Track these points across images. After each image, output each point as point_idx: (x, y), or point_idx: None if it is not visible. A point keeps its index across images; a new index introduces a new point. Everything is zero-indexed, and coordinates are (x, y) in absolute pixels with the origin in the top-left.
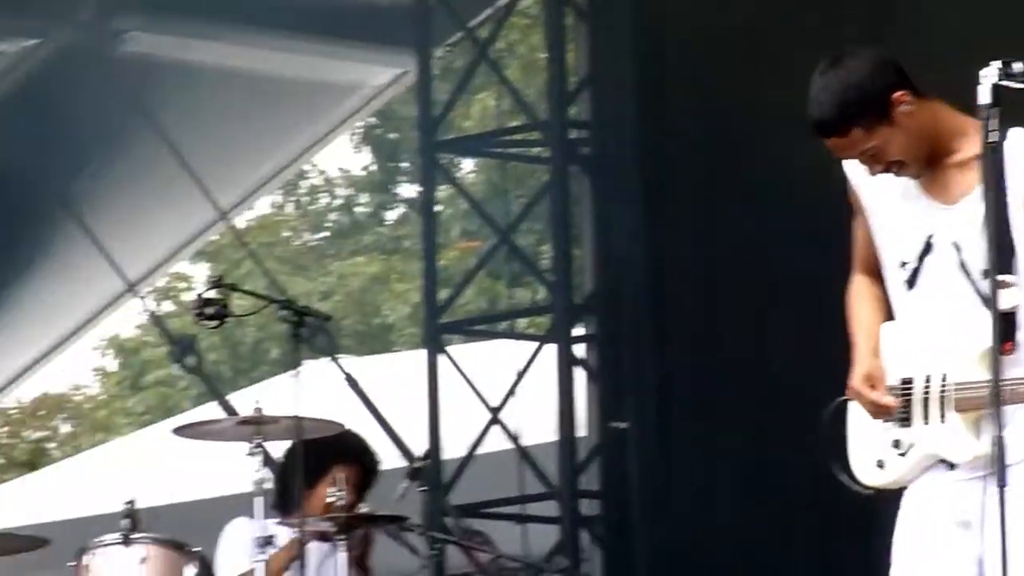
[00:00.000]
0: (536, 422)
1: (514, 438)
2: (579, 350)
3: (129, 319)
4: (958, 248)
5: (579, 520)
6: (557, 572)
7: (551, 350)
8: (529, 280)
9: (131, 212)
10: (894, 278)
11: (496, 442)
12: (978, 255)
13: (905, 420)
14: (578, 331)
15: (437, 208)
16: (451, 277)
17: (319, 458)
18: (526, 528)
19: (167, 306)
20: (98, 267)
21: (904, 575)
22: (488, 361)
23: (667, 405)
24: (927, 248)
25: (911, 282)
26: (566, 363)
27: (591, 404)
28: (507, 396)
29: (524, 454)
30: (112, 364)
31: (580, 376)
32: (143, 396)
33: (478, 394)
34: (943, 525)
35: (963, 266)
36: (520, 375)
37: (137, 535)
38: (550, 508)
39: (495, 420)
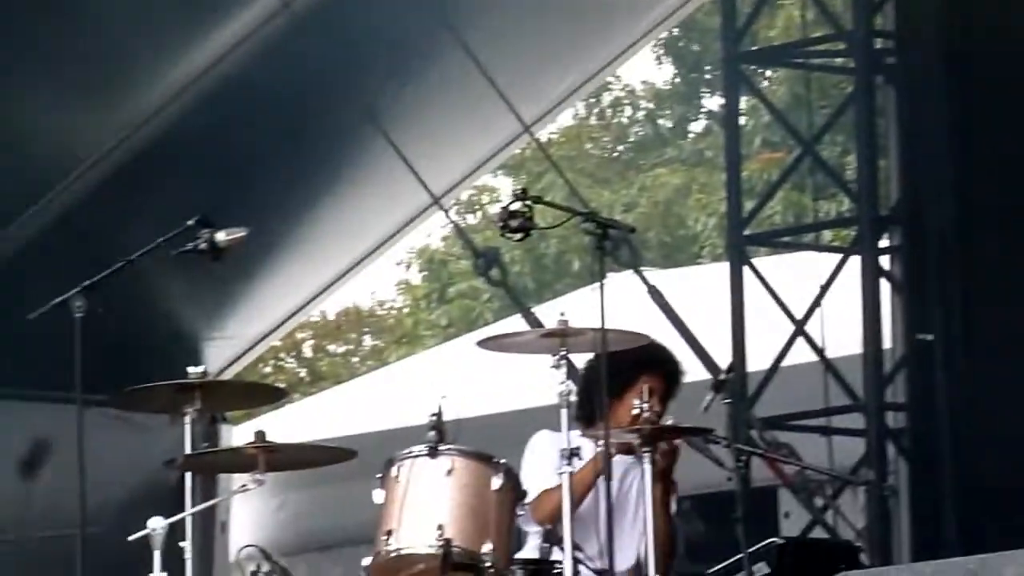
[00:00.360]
0: (841, 334)
1: (819, 350)
2: (884, 261)
3: (434, 233)
4: None
5: (885, 432)
6: (863, 484)
7: (856, 262)
8: (834, 192)
9: (436, 126)
10: None
11: (801, 354)
12: None
13: None
14: (883, 242)
15: (740, 120)
16: (754, 189)
17: (627, 369)
18: (831, 441)
19: (471, 219)
20: (404, 181)
21: None
22: (793, 273)
23: (973, 316)
24: None
25: None
26: (872, 275)
27: (897, 316)
28: (812, 308)
29: (829, 366)
30: (416, 278)
31: (885, 288)
32: (447, 309)
33: (783, 306)
34: None
35: None
36: (825, 287)
37: (444, 447)
38: (856, 421)
39: (800, 332)
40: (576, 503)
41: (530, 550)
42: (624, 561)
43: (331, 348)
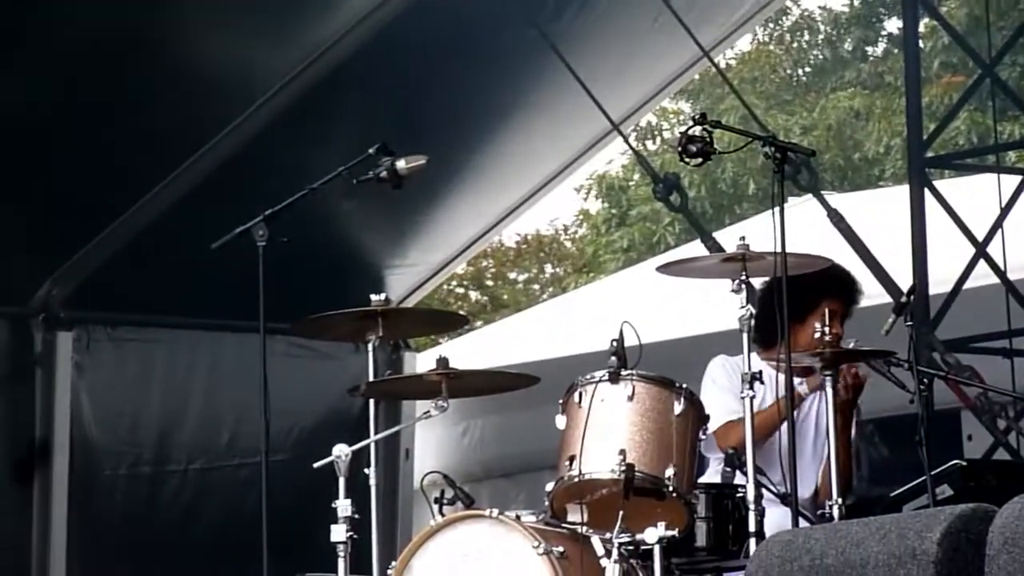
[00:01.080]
0: (1023, 256)
1: (1001, 272)
2: None
3: (613, 159)
4: None
5: None
6: None
7: None
8: (1015, 114)
9: (613, 51)
10: None
11: (982, 276)
12: None
13: None
14: None
15: (919, 43)
16: (935, 113)
17: (808, 293)
18: (1013, 362)
19: (650, 145)
20: (582, 107)
21: None
22: (974, 195)
23: None
24: None
25: None
26: None
27: None
28: (993, 229)
29: (1011, 288)
30: (595, 205)
31: None
32: (627, 232)
33: (964, 228)
34: None
35: None
36: (1006, 208)
37: (625, 372)
38: None
39: (981, 254)
40: (760, 440)
41: (712, 474)
42: (805, 489)
43: (512, 276)
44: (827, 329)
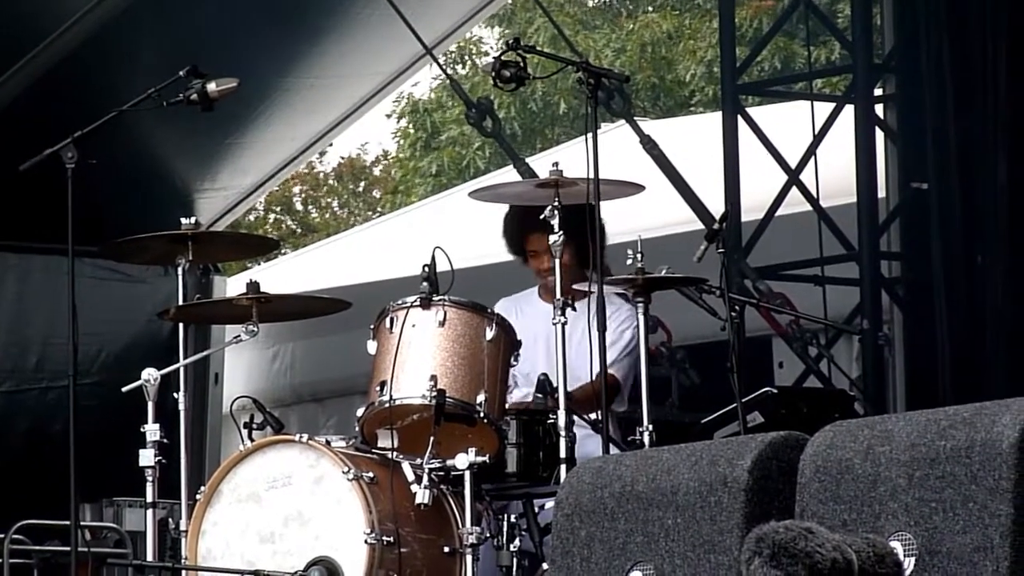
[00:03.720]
0: (835, 183)
1: (813, 200)
2: (879, 110)
3: (422, 83)
4: None
5: (880, 281)
6: (857, 334)
7: (850, 111)
8: (825, 38)
9: None
10: None
11: (795, 204)
12: None
13: None
14: (877, 91)
15: None
16: (743, 35)
17: (508, 239)
18: (825, 290)
19: (460, 69)
20: (395, 31)
21: None
22: (787, 122)
23: (969, 163)
24: None
25: None
26: (866, 123)
27: (891, 165)
28: (806, 157)
29: (823, 215)
30: (405, 129)
31: (880, 137)
32: (436, 156)
33: (776, 155)
34: None
35: None
36: (819, 136)
37: (437, 297)
38: (850, 270)
39: (794, 181)
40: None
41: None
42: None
43: (323, 201)
44: (538, 266)
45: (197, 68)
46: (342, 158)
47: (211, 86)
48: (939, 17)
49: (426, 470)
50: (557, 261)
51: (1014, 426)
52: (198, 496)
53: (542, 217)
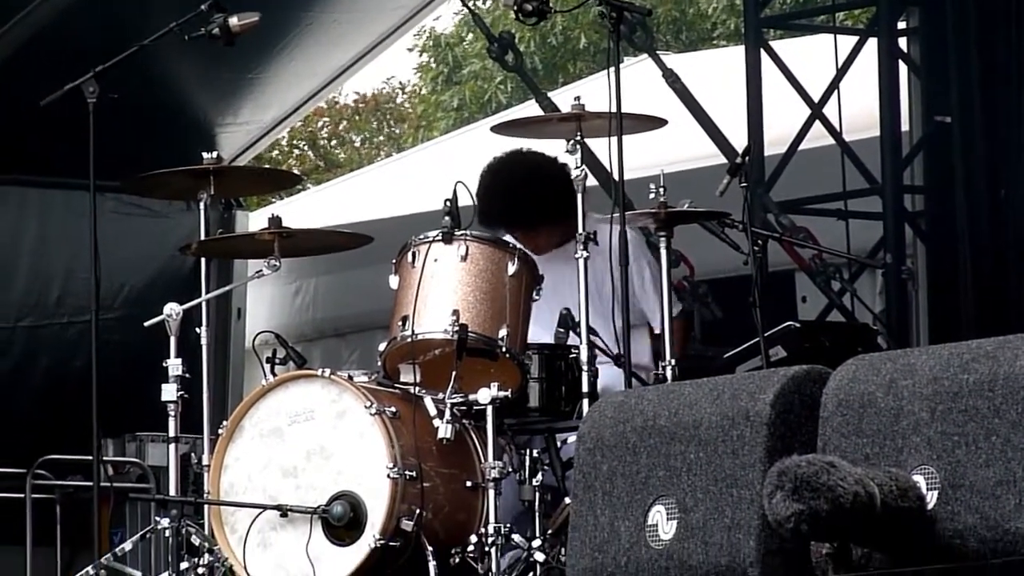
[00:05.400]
0: (859, 117)
1: (836, 133)
2: (902, 43)
3: (444, 16)
4: None
5: (903, 215)
6: (880, 268)
7: (873, 44)
8: None
9: None
10: None
11: (818, 138)
12: None
13: None
14: (901, 24)
15: None
16: None
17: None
18: (848, 224)
19: (484, 4)
20: None
21: None
22: (810, 55)
23: (993, 96)
24: None
25: None
26: (889, 57)
27: (914, 98)
28: (829, 91)
29: (847, 149)
30: (428, 62)
31: (903, 70)
32: (457, 91)
33: (800, 89)
34: None
35: None
36: (842, 70)
37: (459, 232)
38: (873, 204)
39: (817, 115)
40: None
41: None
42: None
43: (347, 136)
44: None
45: (219, 2)
46: (361, 93)
47: (232, 20)
48: None
49: (448, 405)
50: (580, 197)
51: None
52: (220, 431)
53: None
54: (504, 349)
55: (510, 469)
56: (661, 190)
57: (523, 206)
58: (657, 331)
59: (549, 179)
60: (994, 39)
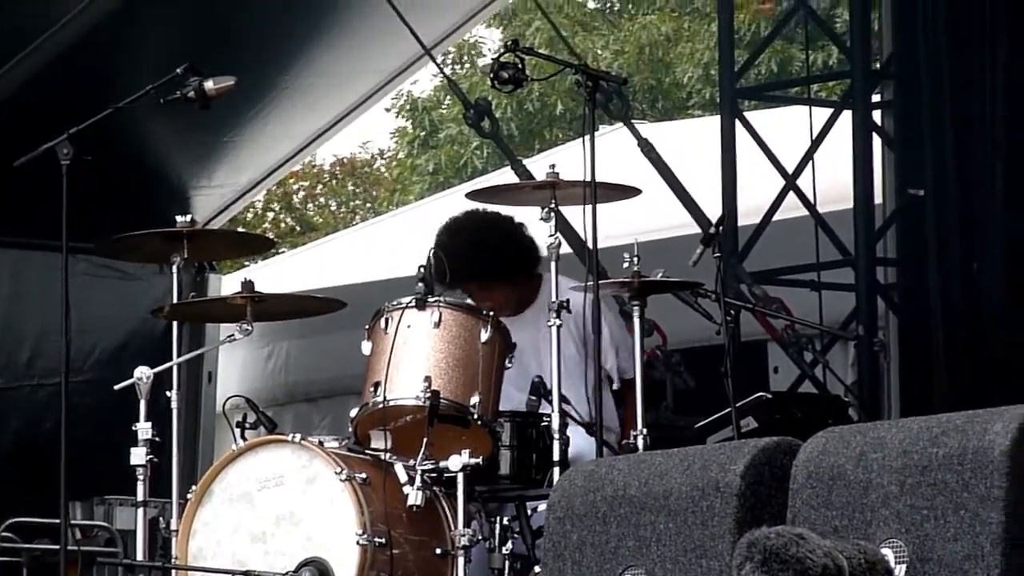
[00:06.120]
0: (832, 189)
1: (810, 205)
2: (877, 116)
3: (422, 81)
4: None
5: (875, 287)
6: (852, 339)
7: (847, 116)
8: (823, 43)
9: None
10: None
11: (792, 209)
12: None
13: None
14: (875, 97)
15: None
16: (742, 39)
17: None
18: (821, 295)
19: (459, 69)
20: (394, 30)
21: None
22: (784, 126)
23: (967, 170)
24: None
25: None
26: (863, 129)
27: (888, 171)
28: (803, 162)
29: (820, 221)
30: (405, 125)
31: (877, 143)
32: (434, 155)
33: (774, 160)
34: None
35: None
36: (816, 141)
37: (432, 298)
38: (846, 275)
39: (791, 186)
40: None
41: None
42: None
43: (322, 199)
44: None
45: (195, 65)
46: (344, 157)
47: (208, 84)
48: (937, 24)
49: (419, 471)
50: (553, 265)
51: (1005, 434)
52: (189, 495)
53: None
54: (476, 416)
55: (480, 537)
56: (635, 259)
57: (478, 260)
58: (615, 386)
59: (506, 235)
60: (968, 112)
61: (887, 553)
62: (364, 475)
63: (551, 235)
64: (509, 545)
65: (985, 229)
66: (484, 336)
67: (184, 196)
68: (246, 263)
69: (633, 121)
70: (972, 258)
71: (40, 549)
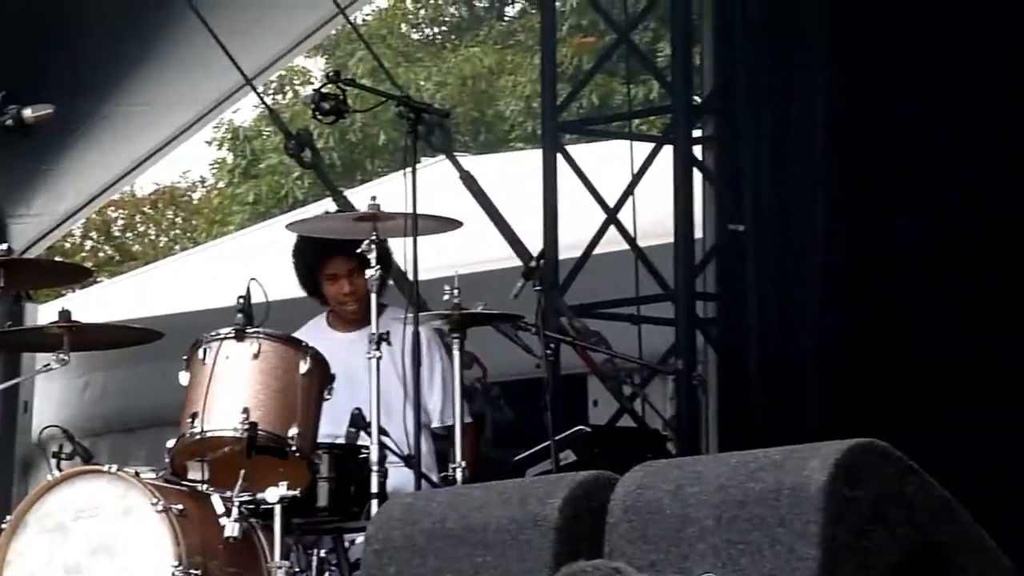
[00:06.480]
0: (653, 223)
1: (631, 239)
2: (697, 151)
3: (243, 110)
4: None
5: (695, 322)
6: (671, 374)
7: (669, 151)
8: (645, 78)
9: (249, 5)
10: None
11: (613, 243)
12: None
13: None
14: (696, 132)
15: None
16: (564, 72)
17: (301, 267)
18: (641, 329)
19: (281, 99)
20: (217, 59)
21: None
22: (606, 161)
23: (786, 206)
24: None
25: None
26: (684, 164)
27: (708, 206)
28: (624, 196)
29: (641, 255)
30: (226, 156)
31: (698, 177)
32: (254, 185)
33: (595, 194)
34: None
35: None
36: (637, 176)
37: (251, 330)
38: (666, 310)
39: (612, 220)
40: None
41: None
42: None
43: (142, 228)
44: (339, 291)
45: (13, 93)
46: (164, 186)
47: (27, 112)
48: (759, 60)
49: (236, 503)
50: (374, 296)
51: (822, 470)
52: (3, 526)
53: (359, 250)
54: (294, 448)
55: (297, 569)
56: (455, 291)
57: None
58: (433, 427)
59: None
60: (787, 148)
61: None
62: (181, 506)
63: (372, 267)
64: None
65: (804, 261)
66: (303, 367)
67: (1, 224)
68: (63, 292)
69: (455, 153)
70: (790, 294)
71: None
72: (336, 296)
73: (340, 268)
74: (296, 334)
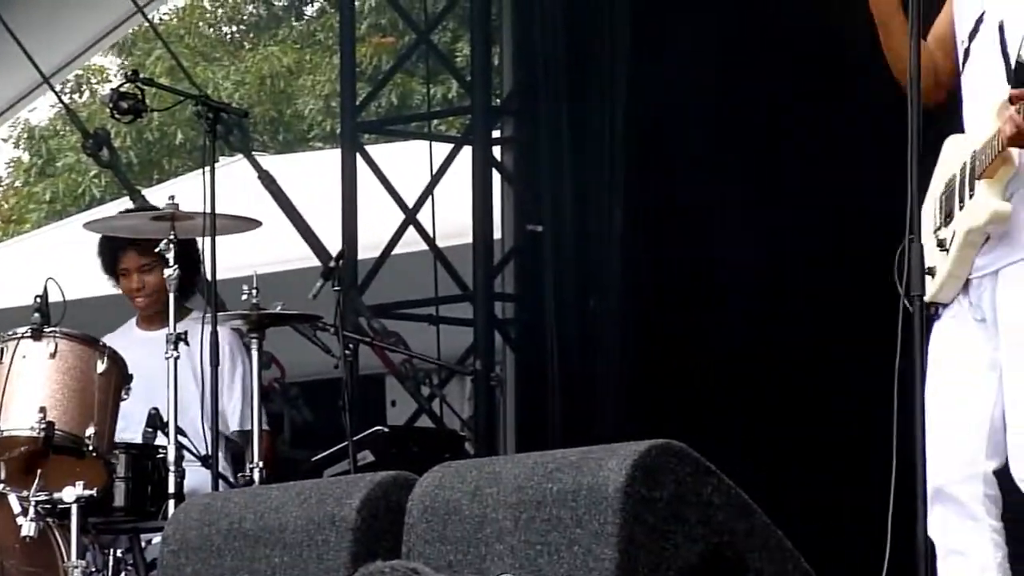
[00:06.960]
0: (452, 224)
1: (430, 239)
2: (496, 152)
3: (40, 109)
4: (1001, 29)
5: (493, 322)
6: (469, 374)
7: (468, 152)
8: (444, 77)
9: (45, 3)
10: (959, 60)
11: (412, 243)
12: (1019, 34)
13: (948, 217)
14: (496, 133)
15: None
16: (363, 72)
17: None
18: (439, 330)
19: (78, 97)
20: (12, 58)
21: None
22: (404, 161)
23: (584, 206)
24: (976, 28)
25: (963, 64)
26: (483, 165)
27: (507, 207)
28: (423, 197)
29: (439, 255)
30: (21, 154)
31: (497, 178)
32: (51, 183)
33: (394, 194)
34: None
35: (1003, 47)
36: (436, 176)
37: (48, 329)
38: (464, 310)
39: (411, 221)
40: None
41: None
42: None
43: None
44: (128, 286)
45: None
46: None
47: None
48: (558, 61)
49: (32, 503)
50: (172, 296)
51: (619, 471)
52: None
53: (156, 249)
54: (91, 447)
55: (94, 569)
56: (254, 291)
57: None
58: (229, 433)
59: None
60: (585, 150)
61: None
62: None
63: (170, 267)
64: None
65: (602, 266)
66: (101, 367)
67: None
68: None
69: (254, 153)
70: (588, 295)
71: None
72: (127, 291)
73: (131, 263)
74: (110, 335)
